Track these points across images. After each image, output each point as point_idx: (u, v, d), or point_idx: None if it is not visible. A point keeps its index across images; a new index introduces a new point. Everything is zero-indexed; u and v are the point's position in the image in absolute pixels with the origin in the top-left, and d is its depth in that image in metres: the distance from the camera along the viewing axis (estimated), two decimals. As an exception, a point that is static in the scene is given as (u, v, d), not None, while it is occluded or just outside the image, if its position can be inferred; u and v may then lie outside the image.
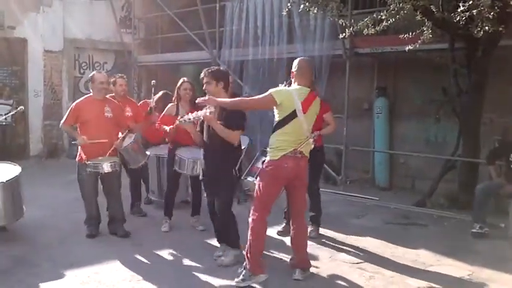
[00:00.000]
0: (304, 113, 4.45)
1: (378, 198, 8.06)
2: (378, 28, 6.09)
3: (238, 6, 10.12)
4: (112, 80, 6.51)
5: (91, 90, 5.81)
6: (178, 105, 6.09)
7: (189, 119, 4.68)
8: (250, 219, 4.53)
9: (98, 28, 12.17)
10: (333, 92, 9.13)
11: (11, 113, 8.09)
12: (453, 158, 7.86)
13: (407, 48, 6.46)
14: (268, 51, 9.59)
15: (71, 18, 11.71)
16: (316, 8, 6.23)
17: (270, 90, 4.51)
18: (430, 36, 6.04)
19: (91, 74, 5.88)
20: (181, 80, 6.15)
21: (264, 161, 4.63)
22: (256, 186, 4.58)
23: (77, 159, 5.76)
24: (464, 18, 5.44)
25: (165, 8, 11.54)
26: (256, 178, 4.77)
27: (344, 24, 6.69)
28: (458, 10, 5.47)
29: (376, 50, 8.29)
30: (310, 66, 4.81)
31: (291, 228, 4.78)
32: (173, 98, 6.22)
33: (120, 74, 6.83)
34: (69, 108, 5.84)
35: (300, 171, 4.58)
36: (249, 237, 4.49)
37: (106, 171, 5.49)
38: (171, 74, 10.89)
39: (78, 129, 5.76)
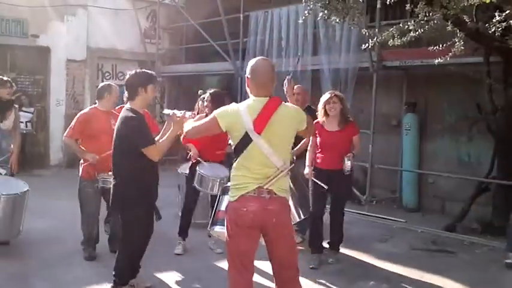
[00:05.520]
0: (259, 133, 3.23)
1: (404, 221, 7.59)
2: (404, 39, 5.63)
3: (263, 17, 9.88)
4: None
5: (99, 101, 5.41)
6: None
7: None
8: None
9: (122, 38, 12.11)
10: (359, 107, 8.73)
11: None
12: (487, 180, 7.33)
13: (436, 62, 6.00)
14: (292, 62, 9.22)
15: (95, 27, 11.66)
16: (336, 16, 5.80)
17: (215, 112, 3.41)
18: (462, 48, 5.57)
19: (108, 84, 5.50)
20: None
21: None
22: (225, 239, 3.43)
23: (81, 174, 5.31)
24: (500, 29, 4.99)
25: (189, 18, 11.39)
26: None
27: (368, 34, 6.27)
28: (494, 20, 5.04)
29: (405, 63, 7.85)
30: (270, 68, 3.45)
31: None
32: (197, 111, 5.88)
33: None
34: (74, 121, 5.39)
35: (270, 218, 3.25)
36: None
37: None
38: (195, 85, 10.68)
39: (81, 143, 5.38)
